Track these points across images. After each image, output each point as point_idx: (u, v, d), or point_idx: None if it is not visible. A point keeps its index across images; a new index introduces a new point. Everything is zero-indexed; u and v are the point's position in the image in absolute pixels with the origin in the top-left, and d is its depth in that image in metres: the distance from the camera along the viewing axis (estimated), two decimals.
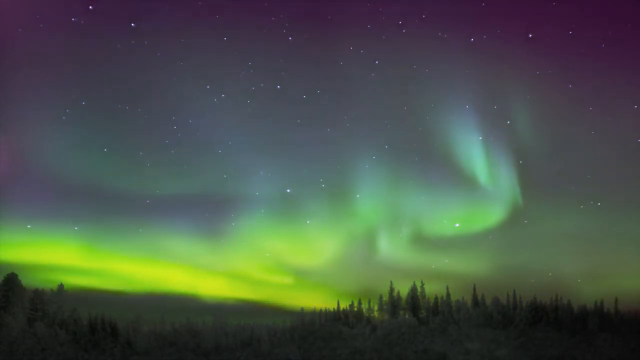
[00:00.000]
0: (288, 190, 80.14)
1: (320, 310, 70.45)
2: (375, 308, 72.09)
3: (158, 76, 79.43)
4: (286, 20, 78.83)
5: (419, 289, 72.26)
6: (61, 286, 64.53)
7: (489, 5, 78.31)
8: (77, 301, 64.16)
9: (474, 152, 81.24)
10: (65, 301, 63.48)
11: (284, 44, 79.12)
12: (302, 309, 70.72)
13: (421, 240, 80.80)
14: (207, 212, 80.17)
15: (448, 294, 71.19)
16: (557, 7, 78.39)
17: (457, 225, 79.36)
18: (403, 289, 72.75)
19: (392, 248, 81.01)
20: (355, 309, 71.24)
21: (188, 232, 78.79)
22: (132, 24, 76.26)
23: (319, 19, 79.87)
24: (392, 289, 72.56)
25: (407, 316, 70.76)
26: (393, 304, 71.75)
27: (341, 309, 70.90)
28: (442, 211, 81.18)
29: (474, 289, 71.32)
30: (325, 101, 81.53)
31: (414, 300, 71.64)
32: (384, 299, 72.42)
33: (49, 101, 77.19)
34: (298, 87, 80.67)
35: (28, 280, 63.37)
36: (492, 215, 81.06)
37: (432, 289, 72.30)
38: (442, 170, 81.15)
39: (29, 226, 72.96)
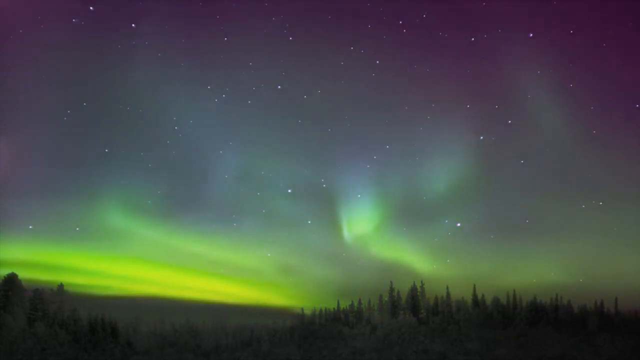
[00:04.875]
0: (289, 191, 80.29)
1: (320, 310, 70.54)
2: (375, 308, 72.10)
3: (159, 76, 79.57)
4: (286, 20, 78.94)
5: (419, 289, 72.26)
6: (61, 286, 64.55)
7: (489, 5, 78.43)
8: (77, 301, 64.37)
9: (475, 152, 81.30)
10: (65, 301, 63.56)
11: (285, 44, 79.28)
12: (302, 309, 71.00)
13: (422, 240, 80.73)
14: (208, 212, 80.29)
15: (448, 294, 71.17)
16: (558, 6, 78.45)
17: (459, 225, 79.23)
18: (403, 289, 72.99)
19: (392, 248, 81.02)
20: (355, 309, 71.18)
21: (189, 232, 78.96)
22: (133, 25, 76.59)
23: (319, 19, 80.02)
24: (392, 289, 72.51)
25: (407, 316, 70.71)
26: (393, 304, 71.71)
27: (341, 308, 70.90)
28: (443, 210, 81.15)
29: (474, 289, 71.31)
30: (326, 101, 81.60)
31: (414, 300, 71.59)
32: (384, 299, 72.42)
33: (50, 102, 77.36)
34: (299, 87, 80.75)
35: (28, 280, 63.73)
36: (493, 214, 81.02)
37: (432, 289, 72.46)
38: (442, 169, 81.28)
39: (30, 227, 73.22)
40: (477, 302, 70.63)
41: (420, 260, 79.80)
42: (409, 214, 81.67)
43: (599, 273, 75.04)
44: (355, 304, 71.50)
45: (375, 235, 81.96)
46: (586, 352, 63.75)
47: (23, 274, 63.35)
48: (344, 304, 71.14)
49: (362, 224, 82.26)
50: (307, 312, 70.44)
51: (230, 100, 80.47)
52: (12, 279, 61.68)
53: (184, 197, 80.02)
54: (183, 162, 79.89)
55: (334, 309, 70.70)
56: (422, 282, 72.77)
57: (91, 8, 74.79)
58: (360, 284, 76.30)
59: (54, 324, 61.28)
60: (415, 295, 71.79)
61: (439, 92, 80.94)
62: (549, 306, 69.38)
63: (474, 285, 71.39)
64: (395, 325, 68.64)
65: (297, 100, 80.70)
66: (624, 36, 78.67)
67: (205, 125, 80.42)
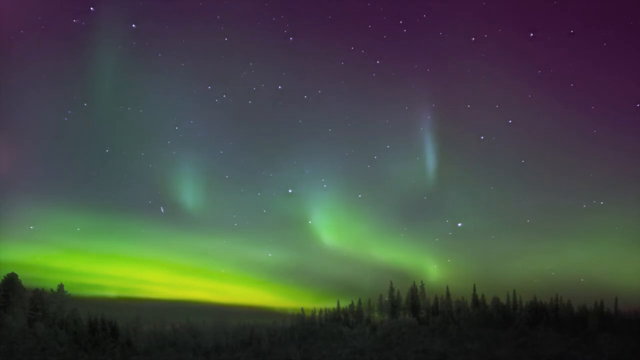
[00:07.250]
0: (290, 191, 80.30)
1: (320, 310, 70.74)
2: (375, 308, 72.09)
3: (159, 77, 79.77)
4: (287, 20, 79.08)
5: (419, 289, 72.25)
6: (61, 286, 64.62)
7: (489, 5, 78.46)
8: (77, 301, 64.46)
9: (475, 152, 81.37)
10: (65, 301, 63.63)
11: (285, 44, 79.35)
12: (302, 309, 71.06)
13: (422, 240, 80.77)
14: (208, 212, 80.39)
15: (448, 294, 71.20)
16: (558, 6, 78.56)
17: (460, 224, 79.17)
18: (403, 289, 73.02)
19: (392, 248, 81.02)
20: (355, 309, 71.22)
21: (189, 233, 79.02)
22: (133, 25, 76.73)
23: (319, 19, 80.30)
24: (392, 289, 72.58)
25: (407, 316, 70.72)
26: (393, 304, 71.71)
27: (341, 308, 71.01)
28: (444, 210, 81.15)
29: (474, 289, 71.39)
30: (326, 101, 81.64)
31: (414, 300, 71.59)
32: (384, 299, 72.44)
33: (51, 102, 77.59)
34: (299, 87, 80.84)
35: (28, 280, 63.80)
36: (493, 214, 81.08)
37: (432, 289, 72.48)
38: (443, 169, 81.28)
39: (31, 227, 73.30)
40: (477, 302, 70.64)
41: (420, 260, 79.93)
42: (409, 214, 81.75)
43: (599, 273, 75.15)
44: (355, 304, 71.62)
45: (375, 235, 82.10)
46: (586, 352, 63.73)
47: (23, 274, 63.65)
48: (344, 304, 71.45)
49: (362, 224, 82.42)
50: (307, 312, 70.72)
51: (230, 100, 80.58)
52: (12, 279, 61.85)
53: (184, 197, 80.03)
54: (183, 162, 79.92)
55: (334, 309, 70.88)
56: (422, 282, 73.01)
57: (91, 8, 75.05)
58: (360, 284, 76.49)
59: (54, 324, 61.38)
60: (415, 295, 71.79)
61: (439, 92, 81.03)
62: (549, 306, 69.35)
63: (474, 285, 71.64)
64: (395, 325, 68.69)
65: (298, 100, 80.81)
66: (624, 36, 78.76)
67: (205, 125, 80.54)
